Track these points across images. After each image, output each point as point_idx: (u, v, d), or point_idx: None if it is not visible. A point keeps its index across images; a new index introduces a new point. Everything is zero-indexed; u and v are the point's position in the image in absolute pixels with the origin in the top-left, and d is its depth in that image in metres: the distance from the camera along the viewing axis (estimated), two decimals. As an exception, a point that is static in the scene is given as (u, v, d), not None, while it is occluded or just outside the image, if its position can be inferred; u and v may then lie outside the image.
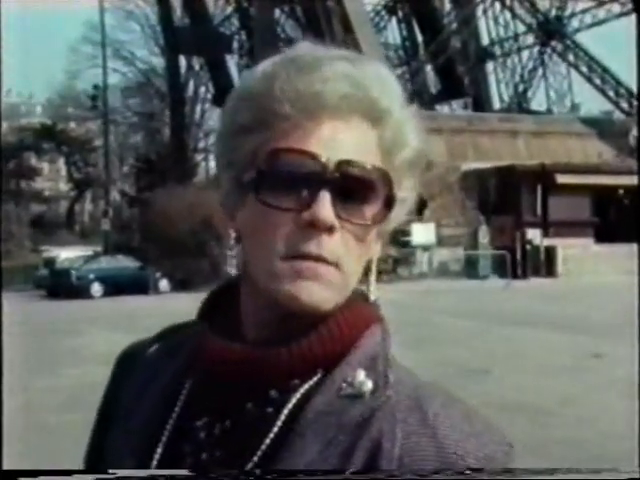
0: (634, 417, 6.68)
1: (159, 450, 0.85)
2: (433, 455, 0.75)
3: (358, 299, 0.86)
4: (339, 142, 0.79)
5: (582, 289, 23.31)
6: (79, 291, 27.20)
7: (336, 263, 0.79)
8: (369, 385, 0.79)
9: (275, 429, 0.80)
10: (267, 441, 0.80)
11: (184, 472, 0.83)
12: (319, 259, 0.78)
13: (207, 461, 0.82)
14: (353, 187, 0.78)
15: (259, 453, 0.80)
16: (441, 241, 30.72)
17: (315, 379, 0.81)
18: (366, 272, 0.86)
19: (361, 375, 0.80)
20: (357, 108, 0.80)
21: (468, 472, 0.75)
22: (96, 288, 27.96)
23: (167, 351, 0.92)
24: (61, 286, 27.95)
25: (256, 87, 0.81)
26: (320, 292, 0.79)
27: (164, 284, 28.91)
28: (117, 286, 27.16)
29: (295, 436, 0.78)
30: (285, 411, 0.81)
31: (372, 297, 0.87)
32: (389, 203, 0.80)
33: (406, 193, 0.84)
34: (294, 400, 0.81)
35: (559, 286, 26.20)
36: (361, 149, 0.79)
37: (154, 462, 0.85)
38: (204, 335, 0.86)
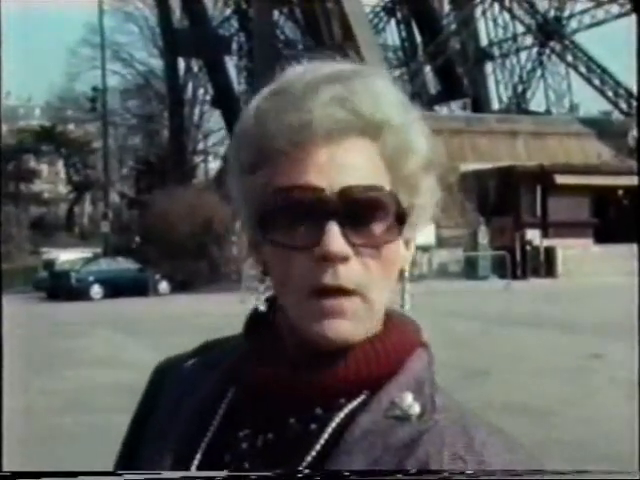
0: (635, 418, 6.68)
1: (197, 458, 0.85)
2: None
3: (402, 322, 0.86)
4: (338, 168, 0.78)
5: (582, 290, 23.31)
6: (79, 293, 27.22)
7: (359, 292, 0.78)
8: (417, 408, 0.79)
9: (319, 445, 0.80)
10: (311, 456, 0.80)
11: (189, 474, 0.83)
12: (340, 292, 0.78)
13: (249, 471, 0.83)
14: (360, 211, 0.78)
15: (301, 469, 0.80)
16: (441, 242, 30.74)
17: (360, 399, 0.82)
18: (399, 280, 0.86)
19: (409, 398, 0.80)
20: (350, 129, 0.79)
21: None
22: (96, 290, 27.98)
23: (206, 365, 0.92)
24: (61, 288, 27.97)
25: (252, 125, 0.81)
26: (347, 327, 0.78)
27: (164, 286, 28.95)
28: (117, 288, 27.18)
29: (341, 453, 0.78)
30: (329, 429, 0.81)
31: (407, 306, 0.88)
32: (400, 218, 0.80)
33: (424, 199, 0.83)
34: (338, 419, 0.81)
35: (559, 287, 26.22)
36: (362, 169, 0.79)
37: (192, 470, 0.85)
38: (249, 353, 0.86)
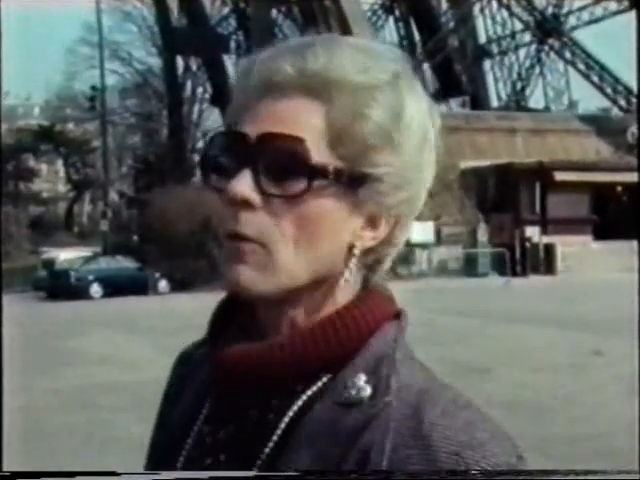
0: (635, 414, 6.68)
1: (184, 454, 0.84)
2: (423, 469, 0.70)
3: (373, 293, 0.82)
4: (269, 118, 0.77)
5: (581, 286, 23.34)
6: (78, 292, 27.18)
7: (262, 241, 0.76)
8: (368, 391, 0.75)
9: (275, 438, 0.77)
10: (266, 450, 0.77)
11: (190, 474, 0.82)
12: (242, 238, 0.76)
13: (211, 466, 0.80)
14: (275, 160, 0.76)
15: (258, 462, 0.77)
16: (440, 239, 30.74)
17: (319, 384, 0.78)
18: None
19: (361, 380, 0.75)
20: (292, 84, 0.77)
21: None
22: (95, 289, 27.96)
23: (205, 356, 0.90)
24: (60, 287, 27.94)
25: (237, 79, 0.85)
26: (247, 273, 0.76)
27: (163, 285, 28.92)
28: (116, 287, 27.14)
29: (288, 449, 0.75)
30: (286, 418, 0.78)
31: (341, 282, 0.80)
32: (313, 174, 0.75)
33: (383, 171, 0.78)
34: (295, 407, 0.78)
35: (558, 283, 26.24)
36: (294, 123, 0.76)
37: (179, 466, 0.84)
38: (211, 342, 0.85)
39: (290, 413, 0.78)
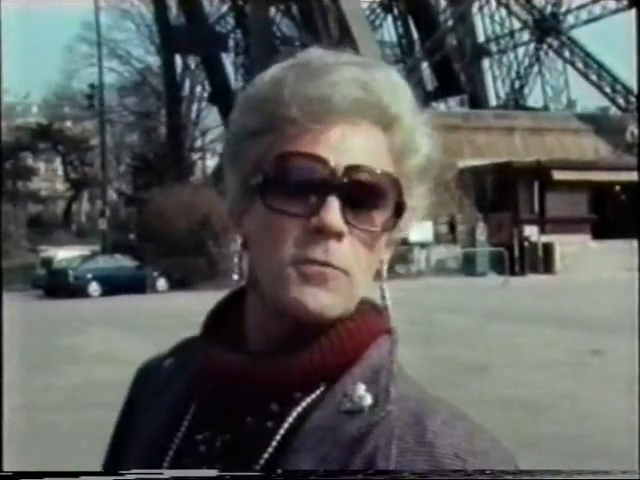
0: (633, 412, 6.68)
1: (165, 465, 0.84)
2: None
3: (366, 309, 0.84)
4: (348, 147, 0.77)
5: (580, 285, 23.35)
6: (77, 291, 27.17)
7: (344, 270, 0.77)
8: (369, 400, 0.77)
9: (274, 444, 0.79)
10: (265, 456, 0.78)
11: (192, 473, 0.82)
12: (326, 265, 0.77)
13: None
14: (362, 193, 0.77)
15: (257, 468, 0.79)
16: (438, 238, 30.75)
17: (317, 392, 0.80)
18: (376, 278, 0.85)
19: (361, 389, 0.78)
20: (367, 113, 0.79)
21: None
22: (94, 287, 27.95)
23: (179, 366, 0.91)
24: (59, 286, 27.93)
25: (264, 92, 0.80)
26: (327, 298, 0.77)
27: (162, 283, 28.91)
28: (115, 285, 27.13)
29: (290, 452, 0.77)
30: (285, 425, 0.79)
31: (388, 302, 0.85)
32: (399, 210, 0.79)
33: (417, 201, 0.83)
34: (294, 414, 0.79)
35: (557, 283, 26.23)
36: (370, 154, 0.78)
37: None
38: (205, 349, 0.85)
39: (290, 420, 0.79)
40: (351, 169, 0.76)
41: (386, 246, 0.83)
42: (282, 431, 0.79)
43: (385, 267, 0.84)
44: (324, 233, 0.76)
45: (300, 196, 0.77)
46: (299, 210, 0.77)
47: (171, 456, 0.84)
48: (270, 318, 0.81)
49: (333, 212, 0.76)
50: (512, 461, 0.76)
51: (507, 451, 0.76)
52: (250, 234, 0.82)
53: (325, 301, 0.77)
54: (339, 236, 0.76)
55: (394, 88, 0.81)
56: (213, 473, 0.81)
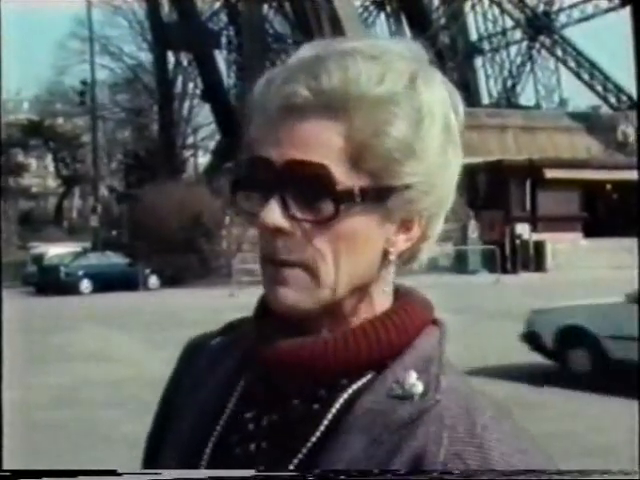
0: (628, 412, 6.68)
1: (212, 440, 0.86)
2: (477, 466, 0.75)
3: (412, 299, 0.87)
4: (292, 142, 0.78)
5: (571, 283, 23.36)
6: (68, 288, 27.17)
7: (303, 264, 0.79)
8: (420, 388, 0.79)
9: (322, 426, 0.81)
10: (314, 437, 0.81)
11: (193, 473, 0.84)
12: (282, 262, 0.79)
13: (254, 452, 0.84)
14: (302, 186, 0.78)
15: (305, 448, 0.81)
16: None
17: (365, 380, 0.82)
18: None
19: (413, 377, 0.80)
20: (315, 104, 0.78)
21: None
22: (85, 285, 27.95)
23: (227, 345, 0.93)
24: (50, 283, 27.92)
25: (254, 99, 0.83)
26: (290, 295, 0.79)
27: (153, 280, 28.91)
28: (106, 282, 27.09)
29: (341, 432, 0.79)
30: (333, 410, 0.81)
31: (386, 290, 0.85)
32: (343, 196, 0.77)
33: (407, 179, 0.80)
34: (342, 400, 0.81)
35: (548, 281, 26.27)
36: (316, 146, 0.77)
37: (207, 452, 0.86)
38: (257, 333, 0.86)
39: (337, 405, 0.81)
40: (287, 164, 0.77)
41: (398, 231, 0.82)
42: (330, 414, 0.81)
43: (393, 251, 0.82)
44: (267, 231, 0.79)
45: (254, 197, 0.81)
46: (251, 210, 0.80)
47: (219, 432, 0.86)
48: None
49: (270, 209, 0.78)
50: (552, 461, 0.79)
51: (547, 453, 0.79)
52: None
53: (288, 298, 0.80)
54: (282, 232, 0.78)
55: (345, 74, 0.78)
56: (213, 473, 0.82)
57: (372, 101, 0.78)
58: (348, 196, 0.78)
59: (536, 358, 10.41)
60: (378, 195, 0.79)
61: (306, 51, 0.82)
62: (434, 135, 0.80)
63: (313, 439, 0.81)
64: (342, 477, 0.77)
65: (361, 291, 0.83)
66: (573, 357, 9.55)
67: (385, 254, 0.82)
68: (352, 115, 0.78)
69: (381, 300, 0.84)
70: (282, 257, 0.79)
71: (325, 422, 0.81)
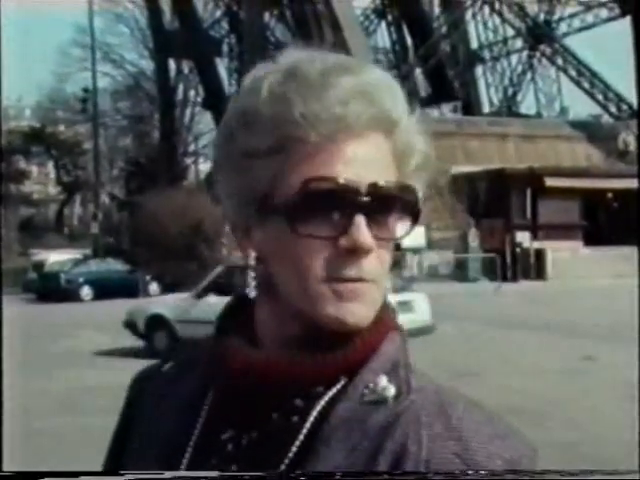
0: (627, 419, 6.66)
1: (184, 462, 0.85)
2: (459, 458, 0.76)
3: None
4: (362, 162, 0.80)
5: (571, 292, 23.38)
6: (68, 294, 27.18)
7: (374, 281, 0.81)
8: (392, 390, 0.80)
9: (301, 437, 0.81)
10: (293, 449, 0.81)
11: (191, 474, 0.84)
12: (359, 280, 0.80)
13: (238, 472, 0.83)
14: (384, 206, 0.80)
15: (286, 462, 0.81)
16: (431, 244, 30.78)
17: (338, 386, 0.82)
18: None
19: (383, 380, 0.81)
20: (373, 124, 0.81)
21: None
22: (85, 291, 27.95)
23: (183, 367, 0.93)
24: (50, 289, 27.92)
25: (268, 110, 0.80)
26: (362, 311, 0.81)
27: (154, 287, 28.86)
28: (107, 289, 27.10)
29: (320, 444, 0.79)
30: (310, 419, 0.81)
31: (389, 300, 0.88)
32: (416, 216, 0.83)
33: (420, 193, 0.86)
34: (319, 407, 0.82)
35: (549, 289, 26.25)
36: (378, 164, 0.81)
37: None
38: (226, 347, 0.85)
39: (314, 413, 0.81)
40: (372, 186, 0.79)
41: None
42: (308, 425, 0.81)
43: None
44: (356, 252, 0.79)
45: (326, 217, 0.79)
46: (328, 232, 0.79)
47: (190, 456, 0.85)
48: (287, 320, 0.84)
49: (362, 231, 0.79)
50: (529, 444, 0.80)
51: (524, 436, 0.81)
52: (267, 250, 0.83)
53: (361, 314, 0.81)
54: (369, 252, 0.80)
55: (391, 91, 0.82)
56: (208, 474, 0.82)
57: (408, 121, 0.83)
58: (418, 214, 0.83)
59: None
60: None
61: (308, 61, 0.81)
62: (430, 155, 0.87)
63: (292, 451, 0.81)
64: (337, 478, 0.77)
65: None
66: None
67: None
68: (396, 135, 0.82)
69: None
70: (363, 276, 0.80)
71: (303, 433, 0.81)
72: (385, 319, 0.86)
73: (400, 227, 0.82)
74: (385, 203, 0.80)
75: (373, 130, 0.80)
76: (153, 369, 0.97)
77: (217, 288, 13.06)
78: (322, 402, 0.82)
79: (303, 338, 0.83)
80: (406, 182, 0.82)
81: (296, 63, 0.82)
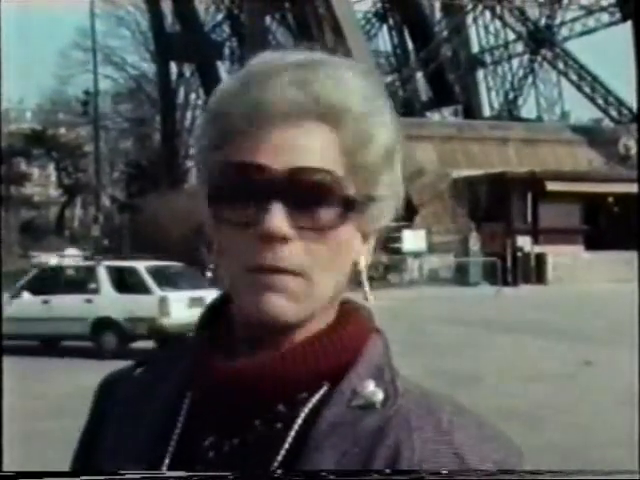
0: (626, 423, 6.69)
1: (164, 466, 0.84)
2: (451, 461, 0.76)
3: (354, 309, 0.86)
4: (290, 149, 0.78)
5: (572, 296, 23.41)
6: (69, 297, 27.06)
7: (300, 272, 0.78)
8: (380, 395, 0.79)
9: (287, 444, 0.80)
10: (280, 456, 0.79)
11: (193, 474, 0.83)
12: (279, 270, 0.78)
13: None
14: (306, 193, 0.78)
15: (273, 468, 0.79)
16: (432, 248, 30.80)
17: (322, 392, 0.81)
18: (358, 277, 0.86)
19: (371, 385, 0.80)
20: (307, 112, 0.79)
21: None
22: (86, 294, 27.82)
23: (156, 374, 0.90)
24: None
25: (214, 105, 0.83)
26: (283, 304, 0.78)
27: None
28: (107, 292, 27.02)
29: (310, 450, 0.78)
30: (295, 426, 0.80)
31: (370, 300, 0.87)
32: (347, 205, 0.79)
33: (384, 190, 0.82)
34: (303, 414, 0.81)
35: (549, 293, 26.30)
36: (315, 153, 0.78)
37: None
38: (203, 351, 0.84)
39: (299, 420, 0.80)
40: (292, 171, 0.77)
41: (363, 242, 0.84)
42: (293, 432, 0.80)
43: (362, 263, 0.84)
44: (270, 239, 0.77)
45: (244, 204, 0.78)
46: (244, 219, 0.78)
47: (169, 462, 0.84)
48: (248, 324, 0.82)
49: (276, 217, 0.77)
50: (516, 446, 0.80)
51: (510, 439, 0.81)
52: (213, 243, 0.84)
53: (282, 307, 0.78)
54: (285, 240, 0.77)
55: (337, 83, 0.80)
56: (223, 474, 0.81)
57: (360, 114, 0.80)
58: (349, 204, 0.79)
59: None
60: (363, 204, 0.81)
61: (265, 60, 0.82)
62: (399, 148, 0.84)
63: (279, 458, 0.79)
64: (331, 477, 0.77)
65: (329, 304, 0.83)
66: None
67: (354, 265, 0.84)
68: (343, 125, 0.79)
69: (326, 311, 0.83)
70: (282, 265, 0.78)
71: (289, 440, 0.80)
72: (364, 322, 0.85)
73: (329, 216, 0.78)
74: (308, 190, 0.77)
75: (310, 119, 0.78)
76: (124, 372, 0.94)
77: (31, 288, 14.69)
78: (307, 408, 0.80)
79: (268, 341, 0.81)
80: (331, 169, 0.78)
81: (254, 62, 0.83)
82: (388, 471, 0.76)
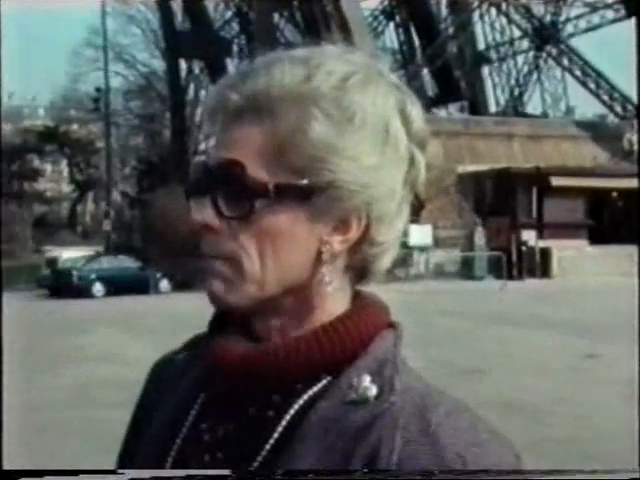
0: (629, 416, 6.69)
1: (172, 455, 0.86)
2: (433, 463, 0.73)
3: (369, 303, 0.85)
4: (223, 144, 0.81)
5: (576, 290, 23.14)
6: (81, 291, 27.16)
7: (229, 258, 0.80)
8: (373, 391, 0.78)
9: (276, 433, 0.80)
10: (268, 445, 0.80)
11: (193, 472, 0.83)
12: (214, 257, 0.81)
13: (209, 463, 0.83)
14: (229, 185, 0.79)
15: (260, 456, 0.80)
16: (438, 242, 30.83)
17: (320, 385, 0.80)
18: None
19: (366, 380, 0.78)
20: (243, 106, 0.80)
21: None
22: (97, 288, 27.90)
23: (191, 360, 0.92)
24: (63, 286, 27.92)
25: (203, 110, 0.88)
26: (218, 287, 0.81)
27: (164, 284, 28.85)
28: (118, 286, 27.10)
29: (295, 441, 0.77)
30: (287, 416, 0.80)
31: (329, 289, 0.82)
32: (256, 192, 0.78)
33: (342, 175, 0.79)
34: (297, 405, 0.80)
35: (554, 287, 26.03)
36: (243, 147, 0.80)
37: (167, 465, 0.86)
38: (213, 340, 0.86)
39: (292, 411, 0.80)
40: (219, 166, 0.80)
41: (330, 231, 0.80)
42: (284, 421, 0.80)
43: (325, 258, 0.81)
44: (203, 230, 0.81)
45: (190, 200, 0.83)
46: (191, 213, 0.83)
47: (178, 446, 0.85)
48: None
49: (200, 208, 0.81)
50: (512, 451, 0.77)
51: (509, 443, 0.78)
52: None
53: (217, 290, 0.81)
54: (211, 229, 0.80)
55: (270, 77, 0.80)
56: (224, 472, 0.82)
57: (293, 100, 0.79)
58: (262, 192, 0.78)
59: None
60: (301, 192, 0.78)
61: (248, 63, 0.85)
62: (365, 135, 0.79)
63: (267, 447, 0.79)
64: (310, 476, 0.76)
65: (298, 292, 0.81)
66: None
67: (319, 254, 0.80)
68: (276, 114, 0.79)
69: (333, 304, 0.83)
70: (212, 252, 0.81)
71: (279, 429, 0.80)
72: (376, 316, 0.84)
73: (244, 204, 0.79)
74: (232, 183, 0.79)
75: (246, 112, 0.80)
76: (169, 357, 0.96)
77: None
78: (301, 400, 0.80)
79: (264, 328, 0.84)
80: (248, 161, 0.79)
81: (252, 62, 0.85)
82: (365, 470, 0.74)
